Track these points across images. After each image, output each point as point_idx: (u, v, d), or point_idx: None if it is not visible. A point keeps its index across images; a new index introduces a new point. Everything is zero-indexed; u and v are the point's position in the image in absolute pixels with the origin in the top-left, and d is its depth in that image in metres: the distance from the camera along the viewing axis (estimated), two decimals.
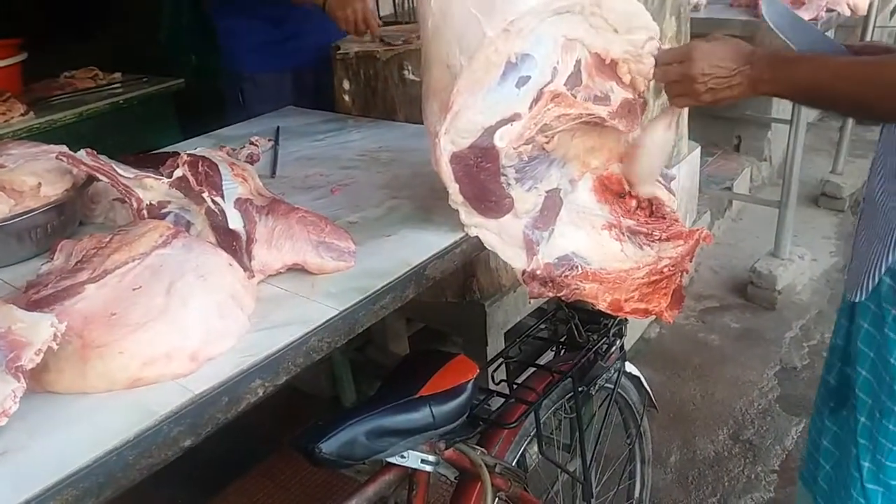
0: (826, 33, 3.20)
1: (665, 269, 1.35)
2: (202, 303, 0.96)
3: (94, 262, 0.99)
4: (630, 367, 1.76)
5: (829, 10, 3.03)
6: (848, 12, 3.11)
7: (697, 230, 1.36)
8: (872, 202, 1.22)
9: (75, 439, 0.81)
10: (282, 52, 2.41)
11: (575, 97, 1.17)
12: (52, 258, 1.11)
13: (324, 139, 1.85)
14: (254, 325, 1.00)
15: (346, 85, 2.08)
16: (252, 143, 1.76)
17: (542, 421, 1.45)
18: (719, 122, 4.12)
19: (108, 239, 1.05)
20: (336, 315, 1.02)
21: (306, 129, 1.94)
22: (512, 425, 1.36)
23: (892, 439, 1.16)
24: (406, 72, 1.93)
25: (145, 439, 0.81)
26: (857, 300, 1.21)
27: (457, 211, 1.23)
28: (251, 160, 1.70)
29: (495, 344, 2.20)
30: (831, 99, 1.07)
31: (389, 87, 1.99)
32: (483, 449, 1.35)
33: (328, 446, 1.05)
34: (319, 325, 1.00)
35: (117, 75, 3.01)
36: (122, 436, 0.80)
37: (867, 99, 1.01)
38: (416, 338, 2.66)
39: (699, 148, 3.21)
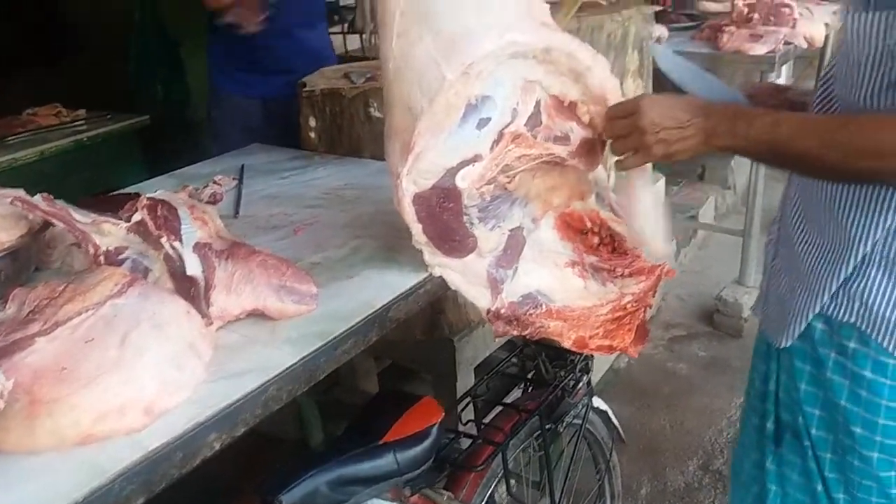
0: (783, 65, 3.29)
1: (628, 305, 1.35)
2: (158, 353, 0.94)
3: (46, 313, 0.97)
4: (598, 402, 1.76)
5: (787, 44, 3.12)
6: (805, 44, 3.20)
7: (659, 265, 1.37)
8: (791, 248, 1.21)
9: (23, 501, 0.78)
10: (260, 80, 2.43)
11: (535, 138, 1.17)
12: (5, 307, 1.08)
13: (289, 177, 1.84)
14: (211, 375, 0.98)
15: (312, 122, 2.07)
16: (215, 183, 1.74)
17: (510, 460, 1.43)
18: None
19: (61, 288, 1.03)
20: (296, 362, 1.00)
21: (272, 167, 1.92)
22: (479, 468, 1.34)
23: (859, 473, 1.16)
24: (372, 109, 1.94)
25: (96, 499, 0.78)
26: (782, 346, 1.20)
27: (421, 250, 1.22)
28: (214, 200, 1.68)
29: (465, 380, 2.18)
30: (790, 156, 1.03)
31: (355, 123, 1.99)
32: (450, 493, 1.34)
33: (289, 498, 1.03)
34: (278, 374, 0.98)
35: (81, 112, 2.98)
36: (72, 496, 0.78)
37: (831, 159, 0.97)
38: (386, 375, 2.63)
39: (664, 178, 3.25)
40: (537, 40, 1.08)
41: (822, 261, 1.13)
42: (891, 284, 1.07)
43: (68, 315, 0.95)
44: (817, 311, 1.14)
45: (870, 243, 1.07)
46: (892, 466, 1.14)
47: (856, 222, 1.07)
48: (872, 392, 1.11)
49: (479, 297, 1.28)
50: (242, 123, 2.39)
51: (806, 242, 1.17)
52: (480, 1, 1.06)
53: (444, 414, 1.23)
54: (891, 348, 1.08)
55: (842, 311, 1.12)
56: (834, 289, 1.11)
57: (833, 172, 1.02)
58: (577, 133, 1.23)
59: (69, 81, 3.52)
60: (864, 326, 1.10)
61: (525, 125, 1.16)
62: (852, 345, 1.12)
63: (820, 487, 1.20)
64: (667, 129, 1.06)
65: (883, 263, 1.07)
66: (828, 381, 1.16)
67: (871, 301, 1.09)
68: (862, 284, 1.09)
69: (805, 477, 1.23)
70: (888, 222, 1.06)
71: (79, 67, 3.85)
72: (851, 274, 1.10)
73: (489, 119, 1.12)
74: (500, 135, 1.15)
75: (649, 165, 1.21)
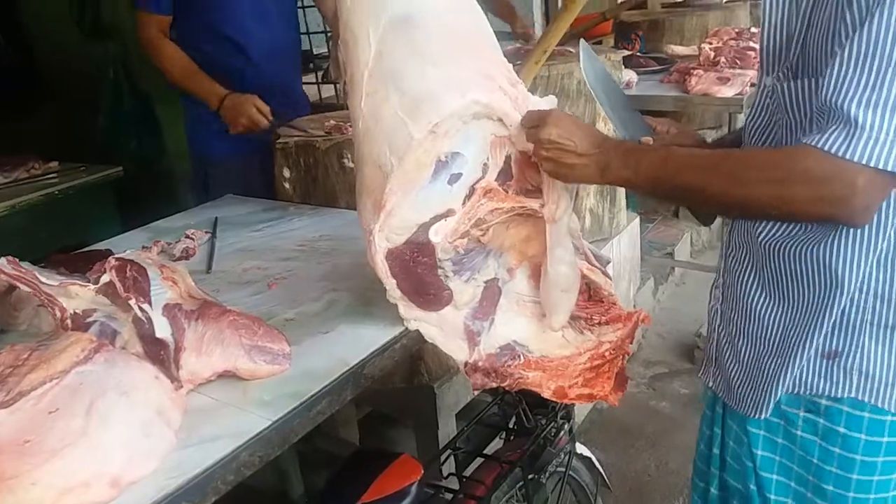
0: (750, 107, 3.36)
1: (607, 353, 1.34)
2: (125, 422, 0.91)
3: (8, 384, 0.94)
4: (581, 448, 1.74)
5: (753, 85, 3.19)
6: None
7: (636, 312, 1.37)
8: (749, 314, 1.17)
9: None
10: (249, 138, 2.31)
11: (507, 191, 1.18)
12: None
13: (263, 229, 1.83)
14: (181, 442, 0.96)
15: (287, 173, 2.07)
16: (188, 237, 1.73)
17: None
18: None
19: (26, 355, 1.00)
20: (269, 426, 0.98)
21: (245, 219, 1.91)
22: None
23: None
24: (346, 160, 1.94)
25: None
26: (758, 417, 1.15)
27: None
28: (187, 255, 1.67)
29: (446, 427, 2.15)
30: (677, 190, 1.05)
31: (330, 174, 1.99)
32: None
33: None
34: (251, 438, 0.96)
35: (54, 164, 2.95)
36: None
37: (712, 190, 1.00)
38: (367, 422, 2.59)
39: (638, 218, 3.28)
40: (495, 105, 1.09)
41: (792, 326, 1.09)
42: (886, 350, 1.05)
43: (32, 385, 0.93)
44: (793, 384, 1.10)
45: (853, 286, 1.02)
46: None
47: (835, 271, 1.03)
48: (846, 448, 1.08)
49: (456, 350, 1.27)
50: (242, 184, 2.25)
51: (769, 308, 1.13)
52: (442, 62, 1.08)
53: (422, 471, 1.21)
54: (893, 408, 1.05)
55: (835, 387, 1.07)
56: (808, 354, 1.08)
57: (715, 203, 1.07)
58: None
59: (41, 134, 3.50)
60: (864, 397, 1.06)
61: (496, 179, 1.17)
62: (824, 402, 1.09)
63: None
64: (559, 150, 1.08)
65: (874, 331, 1.04)
66: (797, 441, 1.12)
67: (872, 372, 1.05)
68: (857, 357, 1.06)
69: None
70: (871, 255, 1.01)
71: (51, 120, 3.83)
72: (841, 347, 1.06)
73: (460, 174, 1.13)
74: (472, 189, 1.15)
75: (568, 242, 1.24)
